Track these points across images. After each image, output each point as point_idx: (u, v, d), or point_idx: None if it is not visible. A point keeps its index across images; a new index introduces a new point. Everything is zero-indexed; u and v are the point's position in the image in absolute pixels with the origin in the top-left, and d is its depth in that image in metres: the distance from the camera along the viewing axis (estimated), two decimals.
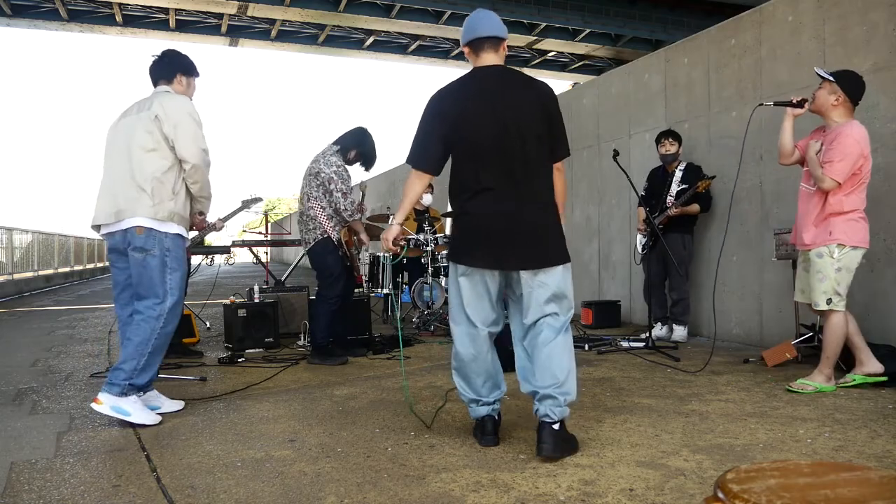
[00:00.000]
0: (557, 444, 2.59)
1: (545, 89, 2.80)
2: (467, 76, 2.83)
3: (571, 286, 2.78)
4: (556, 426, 2.60)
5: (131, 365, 3.22)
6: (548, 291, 2.68)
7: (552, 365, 2.65)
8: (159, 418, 3.27)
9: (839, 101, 3.60)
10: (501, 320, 2.86)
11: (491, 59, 2.77)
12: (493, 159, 2.67)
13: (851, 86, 3.63)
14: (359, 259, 5.04)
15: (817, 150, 3.63)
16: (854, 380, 3.67)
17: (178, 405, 3.53)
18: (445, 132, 2.73)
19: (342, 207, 4.77)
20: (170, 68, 3.58)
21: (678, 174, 5.49)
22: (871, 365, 3.68)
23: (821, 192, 3.60)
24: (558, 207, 2.80)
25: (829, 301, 3.54)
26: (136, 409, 3.20)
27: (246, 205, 5.49)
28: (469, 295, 2.77)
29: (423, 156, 2.78)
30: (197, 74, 3.69)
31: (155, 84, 3.58)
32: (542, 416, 2.62)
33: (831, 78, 3.62)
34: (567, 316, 2.75)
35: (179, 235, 3.39)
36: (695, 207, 5.39)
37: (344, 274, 4.89)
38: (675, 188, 5.45)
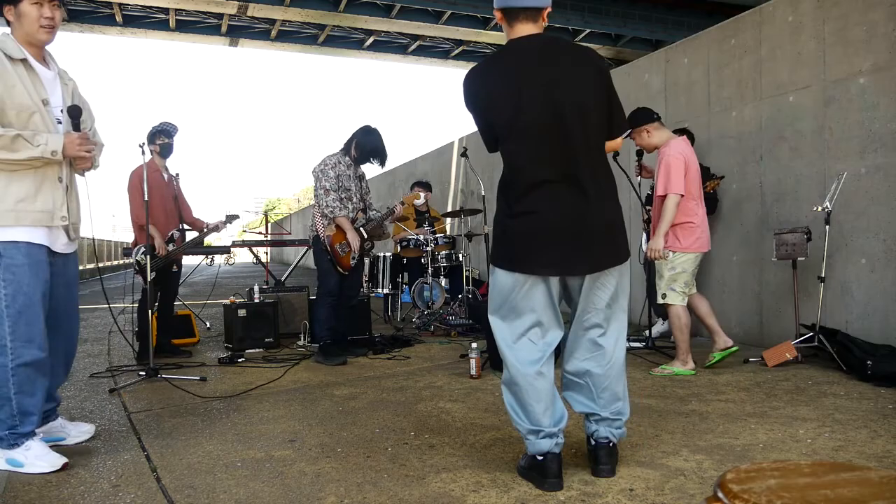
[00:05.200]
0: (615, 463, 2.44)
1: (600, 60, 2.39)
2: (504, 51, 2.41)
3: (629, 284, 2.49)
4: (612, 445, 2.43)
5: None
6: (607, 293, 2.38)
7: (613, 384, 2.40)
8: (62, 462, 2.61)
9: (651, 130, 4.20)
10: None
11: (528, 28, 2.34)
12: (549, 147, 2.28)
13: (641, 115, 4.23)
14: (350, 258, 4.91)
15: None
16: (714, 357, 4.24)
17: (87, 432, 3.01)
18: (488, 118, 2.37)
19: (323, 204, 4.81)
20: None
21: None
22: (722, 341, 4.26)
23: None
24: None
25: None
26: (29, 459, 2.61)
27: (229, 219, 5.72)
28: (525, 304, 2.35)
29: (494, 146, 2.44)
30: None
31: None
32: (602, 437, 2.41)
33: (629, 128, 4.10)
34: (625, 319, 2.46)
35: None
36: None
37: (334, 273, 4.89)
38: None
